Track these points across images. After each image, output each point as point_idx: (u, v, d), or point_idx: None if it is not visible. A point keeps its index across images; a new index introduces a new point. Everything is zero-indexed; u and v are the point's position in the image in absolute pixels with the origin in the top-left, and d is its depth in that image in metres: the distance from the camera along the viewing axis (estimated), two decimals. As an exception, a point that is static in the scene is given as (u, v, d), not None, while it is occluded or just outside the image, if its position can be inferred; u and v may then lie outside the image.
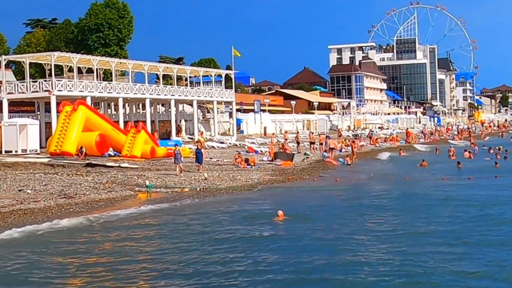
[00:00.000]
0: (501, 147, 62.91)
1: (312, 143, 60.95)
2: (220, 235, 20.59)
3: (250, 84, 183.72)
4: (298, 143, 60.91)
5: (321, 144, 57.24)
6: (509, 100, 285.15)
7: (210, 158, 49.56)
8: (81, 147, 45.71)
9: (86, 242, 19.86)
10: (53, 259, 17.60)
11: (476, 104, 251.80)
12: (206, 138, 66.32)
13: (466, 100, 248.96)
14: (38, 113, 63.05)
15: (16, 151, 48.85)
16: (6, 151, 49.05)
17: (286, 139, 63.43)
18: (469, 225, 21.53)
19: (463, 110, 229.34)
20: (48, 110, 60.07)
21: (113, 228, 22.06)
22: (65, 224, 22.50)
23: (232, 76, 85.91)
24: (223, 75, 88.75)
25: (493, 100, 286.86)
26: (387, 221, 22.94)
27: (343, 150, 60.14)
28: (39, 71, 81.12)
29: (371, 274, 15.27)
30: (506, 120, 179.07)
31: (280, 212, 23.61)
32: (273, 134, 72.74)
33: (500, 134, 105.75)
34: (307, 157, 51.77)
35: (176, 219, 23.80)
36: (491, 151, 60.40)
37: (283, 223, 22.88)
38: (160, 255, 17.88)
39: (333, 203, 28.22)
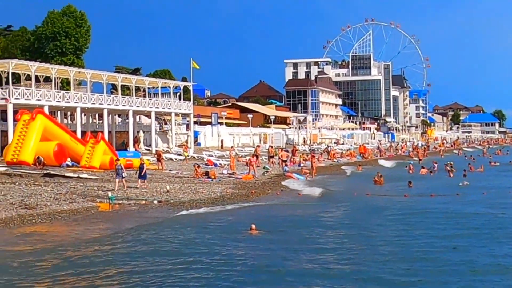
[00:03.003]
0: (451, 163, 62.76)
1: (271, 157, 60.79)
2: (197, 250, 20.42)
3: (206, 96, 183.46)
4: (257, 156, 60.63)
5: (280, 158, 57.30)
6: (461, 118, 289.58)
7: (170, 170, 49.25)
8: (39, 157, 44.93)
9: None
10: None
11: (428, 121, 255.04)
12: (188, 155, 65.13)
13: (419, 117, 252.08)
14: (-7, 121, 61.96)
15: (-30, 159, 47.88)
16: (-40, 159, 48.04)
17: (258, 155, 60.06)
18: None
19: (416, 127, 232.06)
20: (4, 118, 59.06)
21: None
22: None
23: (190, 88, 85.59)
24: (181, 87, 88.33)
25: (445, 118, 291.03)
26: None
27: (301, 165, 60.22)
28: (-7, 78, 79.69)
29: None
30: (458, 138, 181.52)
31: (253, 226, 23.92)
32: (232, 147, 72.41)
33: (458, 151, 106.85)
34: (267, 171, 51.68)
35: (149, 234, 23.33)
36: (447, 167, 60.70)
37: (256, 236, 23.11)
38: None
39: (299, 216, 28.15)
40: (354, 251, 20.45)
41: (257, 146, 67.70)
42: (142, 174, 37.45)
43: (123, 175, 35.96)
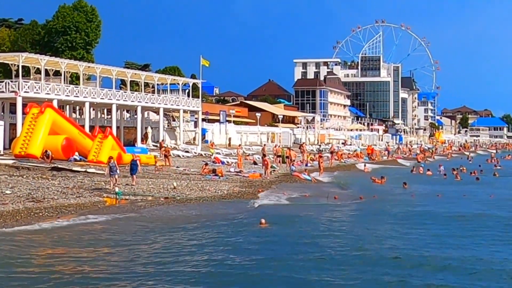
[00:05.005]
0: (464, 167, 63.34)
1: (278, 156, 60.65)
2: (209, 242, 21.23)
3: (214, 94, 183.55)
4: (264, 155, 60.52)
5: (287, 157, 57.21)
6: (469, 121, 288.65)
7: (177, 167, 49.25)
8: (47, 151, 44.97)
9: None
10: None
11: (437, 124, 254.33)
12: (214, 151, 65.52)
13: (427, 119, 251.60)
14: (2, 114, 61.99)
15: (-22, 152, 48.05)
16: (-32, 151, 48.20)
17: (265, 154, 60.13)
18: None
19: (424, 130, 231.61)
20: (13, 111, 59.20)
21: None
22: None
23: (199, 85, 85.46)
24: (190, 84, 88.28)
25: (453, 121, 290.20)
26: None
27: (308, 165, 60.11)
28: (2, 71, 79.86)
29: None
30: (466, 141, 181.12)
31: (263, 220, 24.96)
32: (239, 145, 72.42)
33: (468, 156, 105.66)
34: (274, 170, 51.55)
35: (157, 226, 23.96)
36: (454, 171, 60.63)
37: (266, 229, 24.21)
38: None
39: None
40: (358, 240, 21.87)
41: (264, 145, 67.77)
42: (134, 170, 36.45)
43: (117, 172, 33.96)
